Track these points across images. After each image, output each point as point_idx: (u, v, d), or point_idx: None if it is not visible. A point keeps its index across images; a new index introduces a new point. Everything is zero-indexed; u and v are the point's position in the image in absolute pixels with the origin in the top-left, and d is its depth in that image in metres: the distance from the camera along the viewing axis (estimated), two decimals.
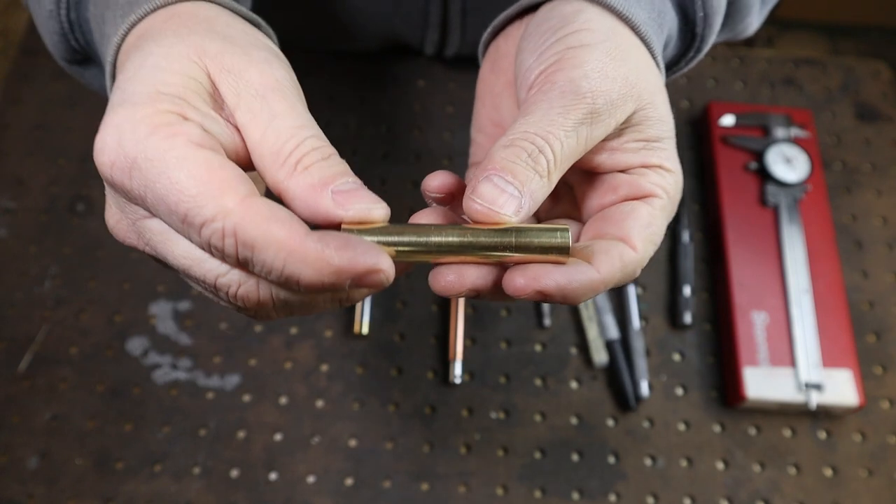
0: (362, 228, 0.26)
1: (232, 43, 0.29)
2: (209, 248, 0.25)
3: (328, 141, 0.28)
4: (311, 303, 0.28)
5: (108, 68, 0.31)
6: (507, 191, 0.28)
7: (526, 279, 0.28)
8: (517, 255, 0.27)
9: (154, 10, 0.30)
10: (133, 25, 0.30)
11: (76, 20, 0.35)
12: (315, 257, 0.24)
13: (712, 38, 0.39)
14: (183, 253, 0.27)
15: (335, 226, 0.26)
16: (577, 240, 0.32)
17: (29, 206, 0.62)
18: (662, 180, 0.32)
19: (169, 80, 0.27)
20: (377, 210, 0.27)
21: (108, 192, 0.29)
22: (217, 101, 0.28)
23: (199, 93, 0.27)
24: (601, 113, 0.30)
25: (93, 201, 0.62)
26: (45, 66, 0.68)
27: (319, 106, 0.66)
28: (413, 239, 0.27)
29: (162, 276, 0.59)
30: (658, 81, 0.33)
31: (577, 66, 0.30)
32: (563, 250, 0.27)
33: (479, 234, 0.27)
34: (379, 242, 0.26)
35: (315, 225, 0.26)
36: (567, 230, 0.28)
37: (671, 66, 0.41)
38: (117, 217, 0.29)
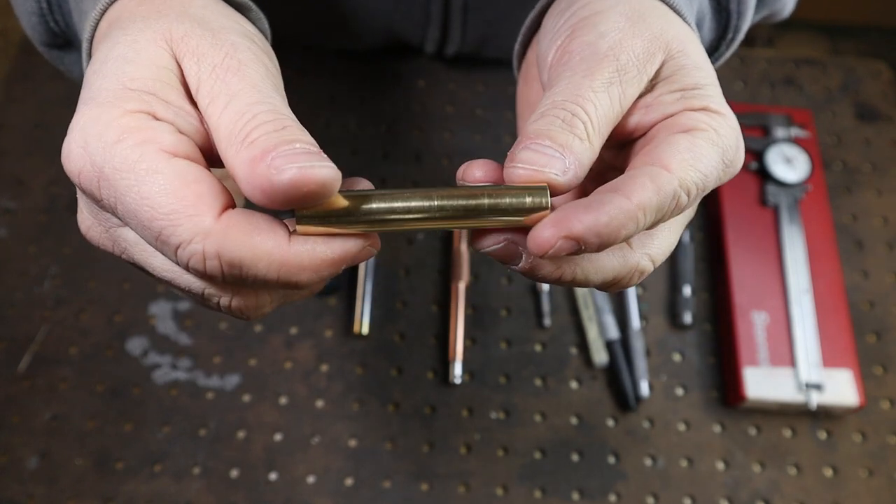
0: (314, 212, 0.24)
1: (200, 25, 0.27)
2: (188, 269, 0.24)
3: (290, 113, 0.26)
4: (306, 290, 0.28)
5: (84, 45, 0.29)
6: (547, 153, 0.25)
7: (552, 229, 0.24)
8: (492, 220, 0.25)
9: None
10: (111, 2, 0.29)
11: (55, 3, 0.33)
12: (308, 258, 0.24)
13: (749, 16, 0.37)
14: (161, 265, 0.26)
15: (280, 202, 0.23)
16: None
17: (29, 206, 0.62)
18: (708, 118, 0.27)
19: (136, 73, 0.25)
20: (317, 169, 0.23)
21: (80, 195, 0.27)
22: (188, 86, 0.26)
23: (170, 83, 0.26)
24: (628, 68, 0.27)
25: None
26: (45, 65, 0.68)
27: (319, 106, 0.66)
28: (375, 207, 0.24)
29: None
30: (689, 33, 0.30)
31: (591, 30, 0.29)
32: (543, 209, 0.25)
33: (448, 198, 0.25)
34: (337, 223, 0.24)
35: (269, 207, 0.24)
36: (545, 188, 0.25)
37: (712, 53, 0.39)
38: (89, 222, 0.27)
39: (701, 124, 0.27)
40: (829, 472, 0.54)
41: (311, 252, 0.24)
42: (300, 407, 0.55)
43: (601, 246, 0.24)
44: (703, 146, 0.26)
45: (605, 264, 0.27)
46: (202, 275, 0.24)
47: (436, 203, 0.25)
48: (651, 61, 0.28)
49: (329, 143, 0.65)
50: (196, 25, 0.27)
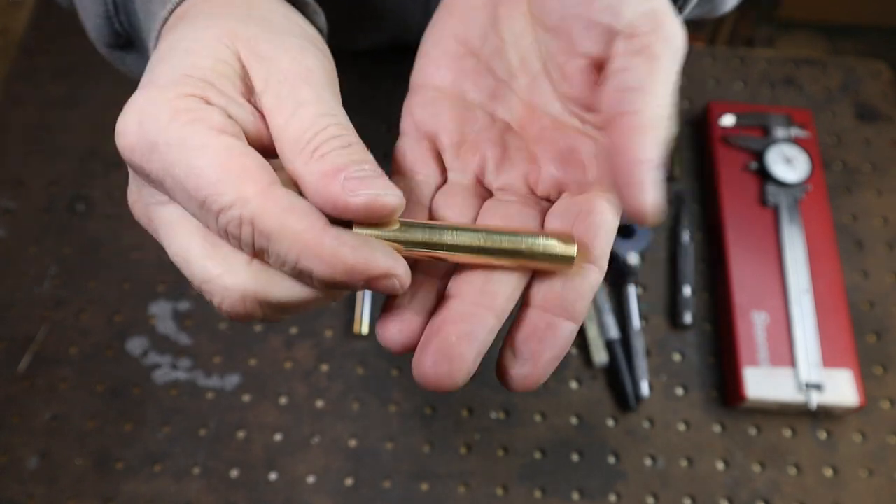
0: (373, 232, 0.25)
1: (267, 29, 0.28)
2: (226, 236, 0.24)
3: (353, 130, 0.27)
4: (300, 308, 0.27)
5: (152, 43, 0.31)
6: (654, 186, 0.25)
7: (529, 368, 0.26)
8: (523, 262, 0.26)
9: None
10: (179, 2, 0.30)
11: (121, 1, 0.34)
12: (330, 253, 0.23)
13: None
14: (176, 251, 0.26)
15: (348, 217, 0.25)
16: None
17: (29, 206, 0.62)
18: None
19: (198, 63, 0.26)
20: (388, 197, 0.24)
21: (130, 171, 0.28)
22: (247, 85, 0.27)
23: (229, 76, 0.26)
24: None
25: (93, 201, 0.62)
26: (46, 65, 0.68)
27: None
28: (425, 238, 0.26)
29: (162, 276, 0.59)
30: None
31: None
32: (568, 260, 0.26)
33: (492, 238, 0.26)
34: (389, 240, 0.26)
35: (332, 218, 0.25)
36: (573, 238, 0.26)
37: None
38: (135, 197, 0.28)
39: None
40: (828, 472, 0.54)
41: (336, 248, 0.23)
42: (300, 407, 0.55)
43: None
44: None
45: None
46: (237, 241, 0.24)
47: (481, 244, 0.26)
48: None
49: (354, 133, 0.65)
50: (262, 28, 0.28)
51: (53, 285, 0.59)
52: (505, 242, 0.26)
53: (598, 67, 0.27)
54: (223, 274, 0.25)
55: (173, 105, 0.24)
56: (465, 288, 0.26)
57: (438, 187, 0.29)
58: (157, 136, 0.24)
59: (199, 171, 0.23)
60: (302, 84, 0.26)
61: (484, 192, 0.30)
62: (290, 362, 0.57)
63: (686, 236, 0.61)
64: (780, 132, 0.62)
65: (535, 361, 0.25)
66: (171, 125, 0.24)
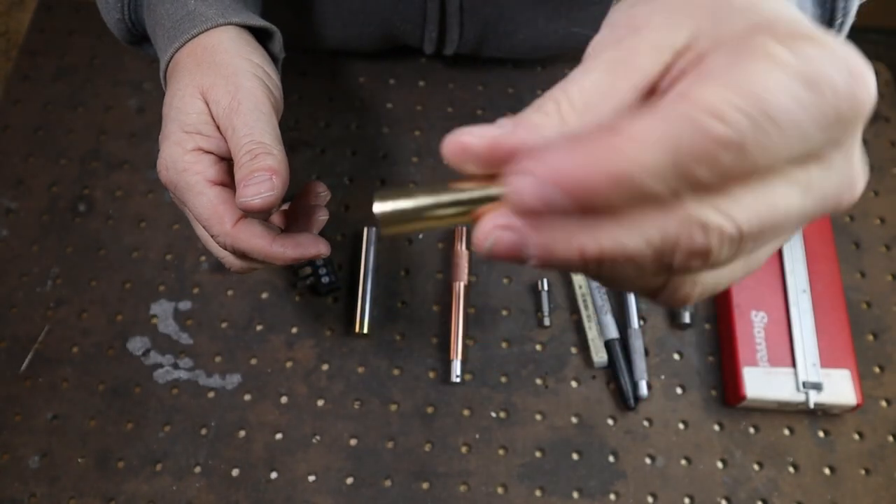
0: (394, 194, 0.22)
1: (217, 74, 0.40)
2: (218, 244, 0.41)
3: (267, 139, 0.39)
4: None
5: (161, 76, 0.44)
6: None
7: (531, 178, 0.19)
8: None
9: (183, 45, 0.42)
10: (174, 54, 0.43)
11: (135, 20, 0.48)
12: (280, 255, 0.40)
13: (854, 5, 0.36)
14: (201, 234, 0.43)
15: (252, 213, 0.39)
16: None
17: (30, 206, 0.62)
18: (771, 42, 0.19)
19: (187, 119, 0.40)
20: (254, 201, 0.37)
21: (161, 148, 0.41)
22: (214, 120, 0.41)
23: (207, 122, 0.40)
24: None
25: (94, 201, 0.63)
26: (47, 66, 0.68)
27: (319, 106, 0.67)
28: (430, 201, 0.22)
29: (163, 275, 0.60)
30: None
31: None
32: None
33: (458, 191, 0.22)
34: (403, 211, 0.22)
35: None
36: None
37: None
38: (163, 170, 0.41)
39: (757, 49, 0.18)
40: (827, 471, 0.55)
41: (283, 252, 0.40)
42: (301, 406, 0.56)
43: (582, 200, 0.18)
44: (752, 66, 0.18)
45: (643, 222, 0.19)
46: (226, 248, 0.41)
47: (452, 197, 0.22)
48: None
49: (329, 143, 0.65)
50: (215, 75, 0.40)
51: (55, 285, 0.59)
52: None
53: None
54: (226, 257, 0.43)
55: (184, 159, 0.39)
56: None
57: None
58: (177, 180, 0.40)
59: (200, 211, 0.40)
60: (234, 116, 0.39)
61: None
62: (290, 362, 0.57)
63: None
64: None
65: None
66: (183, 175, 0.39)
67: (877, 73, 0.71)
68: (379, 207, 0.21)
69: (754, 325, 0.56)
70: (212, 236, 0.40)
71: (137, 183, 0.63)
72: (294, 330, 0.58)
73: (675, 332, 0.59)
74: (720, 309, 0.59)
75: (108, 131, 0.66)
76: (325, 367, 0.57)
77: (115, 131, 0.66)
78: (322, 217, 0.45)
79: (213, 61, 0.41)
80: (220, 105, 0.39)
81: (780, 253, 0.58)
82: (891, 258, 0.63)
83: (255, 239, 0.39)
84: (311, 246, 0.41)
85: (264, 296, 0.59)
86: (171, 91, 0.41)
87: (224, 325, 0.58)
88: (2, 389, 0.56)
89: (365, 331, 0.57)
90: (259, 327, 0.58)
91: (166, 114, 0.41)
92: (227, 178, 0.41)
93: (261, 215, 0.39)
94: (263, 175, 0.37)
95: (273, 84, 0.42)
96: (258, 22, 0.44)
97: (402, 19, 0.61)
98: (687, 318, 0.58)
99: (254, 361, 0.57)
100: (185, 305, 0.59)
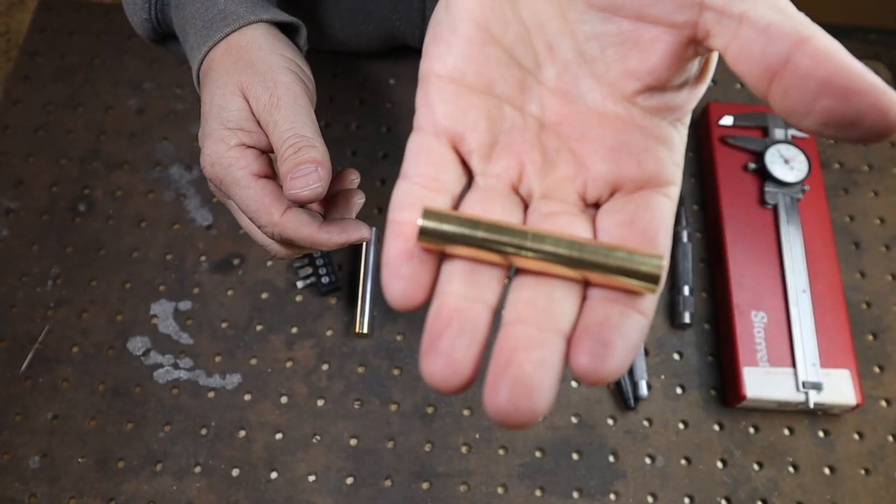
0: (442, 214, 0.23)
1: (255, 71, 0.41)
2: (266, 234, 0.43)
3: (308, 132, 0.40)
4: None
5: (194, 76, 0.45)
6: None
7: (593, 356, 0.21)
8: (609, 278, 0.23)
9: (216, 44, 0.43)
10: (207, 52, 0.43)
11: (162, 19, 0.48)
12: (325, 241, 0.42)
13: None
14: (246, 224, 0.45)
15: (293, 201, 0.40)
16: None
17: (31, 206, 0.62)
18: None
19: (229, 115, 0.41)
20: (303, 192, 0.39)
21: (201, 142, 0.43)
22: (255, 115, 0.42)
23: (248, 118, 0.41)
24: None
25: (94, 201, 0.63)
26: (47, 66, 0.68)
27: (319, 106, 0.66)
28: (505, 240, 0.23)
29: (163, 275, 0.60)
30: None
31: None
32: (655, 279, 0.22)
33: (579, 249, 0.23)
34: (455, 235, 0.23)
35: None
36: (661, 255, 0.23)
37: None
38: (207, 166, 0.42)
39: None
40: (827, 471, 0.55)
41: (328, 239, 0.42)
42: (301, 406, 0.56)
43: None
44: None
45: None
46: (272, 238, 0.42)
47: (566, 254, 0.23)
48: None
49: (329, 143, 0.65)
50: (252, 71, 0.41)
51: (55, 285, 0.59)
52: (592, 255, 0.23)
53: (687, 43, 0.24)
54: (270, 245, 0.44)
55: (228, 154, 0.41)
56: (526, 310, 0.23)
57: (459, 195, 0.26)
58: (223, 175, 0.41)
59: (247, 203, 0.41)
60: (274, 111, 0.41)
61: (520, 200, 0.26)
62: (290, 362, 0.57)
63: (685, 236, 0.61)
64: (778, 133, 0.63)
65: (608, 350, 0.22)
66: (229, 170, 0.41)
67: (876, 73, 0.71)
68: (420, 222, 0.23)
69: (754, 325, 0.56)
70: (259, 227, 0.42)
71: (137, 183, 0.63)
72: (294, 330, 0.58)
73: (675, 332, 0.59)
74: (720, 309, 0.59)
75: (108, 131, 0.66)
76: (325, 367, 0.57)
77: (115, 131, 0.66)
78: (359, 200, 0.46)
79: (249, 58, 0.42)
80: (261, 101, 0.41)
81: (780, 253, 0.58)
82: (891, 258, 0.63)
83: (303, 227, 0.41)
84: (355, 230, 0.43)
85: (264, 296, 0.59)
86: (209, 89, 0.42)
87: (224, 325, 0.58)
88: (2, 389, 0.56)
89: (365, 331, 0.57)
90: (259, 327, 0.58)
91: (207, 112, 0.42)
92: (270, 171, 0.42)
93: (305, 204, 0.41)
94: (309, 167, 0.39)
95: (306, 77, 0.44)
96: (286, 17, 0.45)
97: (402, 19, 0.61)
98: (687, 318, 0.58)
99: (254, 361, 0.57)
100: (185, 305, 0.59)
